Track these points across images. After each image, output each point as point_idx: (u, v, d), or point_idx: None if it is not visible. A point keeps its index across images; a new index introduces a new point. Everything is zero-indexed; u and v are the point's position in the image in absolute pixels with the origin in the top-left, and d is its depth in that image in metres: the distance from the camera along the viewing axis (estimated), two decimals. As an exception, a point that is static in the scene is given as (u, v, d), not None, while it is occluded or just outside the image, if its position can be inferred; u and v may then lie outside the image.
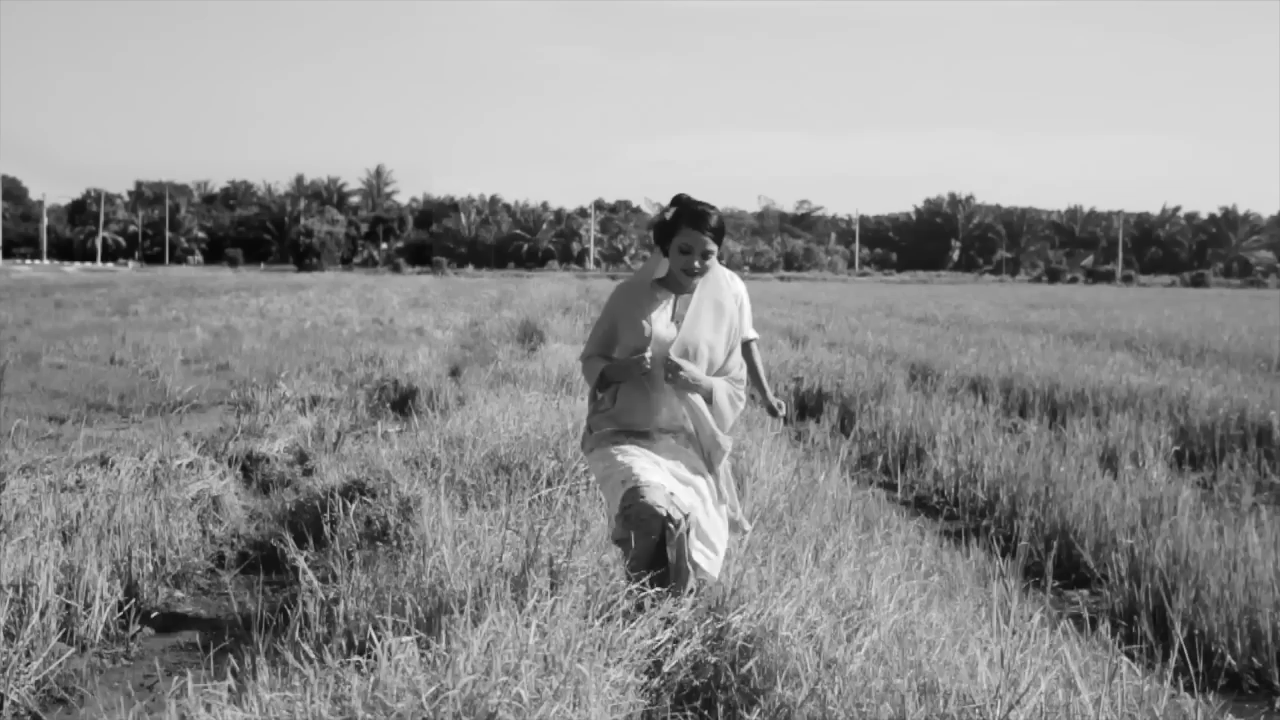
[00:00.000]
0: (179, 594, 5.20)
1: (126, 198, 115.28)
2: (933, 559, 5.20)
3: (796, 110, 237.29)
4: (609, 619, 3.51)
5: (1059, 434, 8.86)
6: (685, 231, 3.86)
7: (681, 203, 3.94)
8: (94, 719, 3.66)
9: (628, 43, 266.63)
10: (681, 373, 3.83)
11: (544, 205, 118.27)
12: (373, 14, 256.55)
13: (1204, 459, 8.58)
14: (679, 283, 3.95)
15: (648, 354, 3.83)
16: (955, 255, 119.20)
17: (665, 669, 3.46)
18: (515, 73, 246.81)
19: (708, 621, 3.63)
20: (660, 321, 3.92)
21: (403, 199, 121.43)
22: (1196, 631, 4.48)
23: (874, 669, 3.33)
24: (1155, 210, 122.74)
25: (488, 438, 6.75)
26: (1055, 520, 6.11)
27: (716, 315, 3.98)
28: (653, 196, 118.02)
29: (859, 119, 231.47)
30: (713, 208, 3.92)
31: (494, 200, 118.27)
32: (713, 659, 3.51)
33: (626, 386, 3.91)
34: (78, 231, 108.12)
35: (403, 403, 10.75)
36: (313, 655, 3.31)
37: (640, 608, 3.59)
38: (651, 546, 3.67)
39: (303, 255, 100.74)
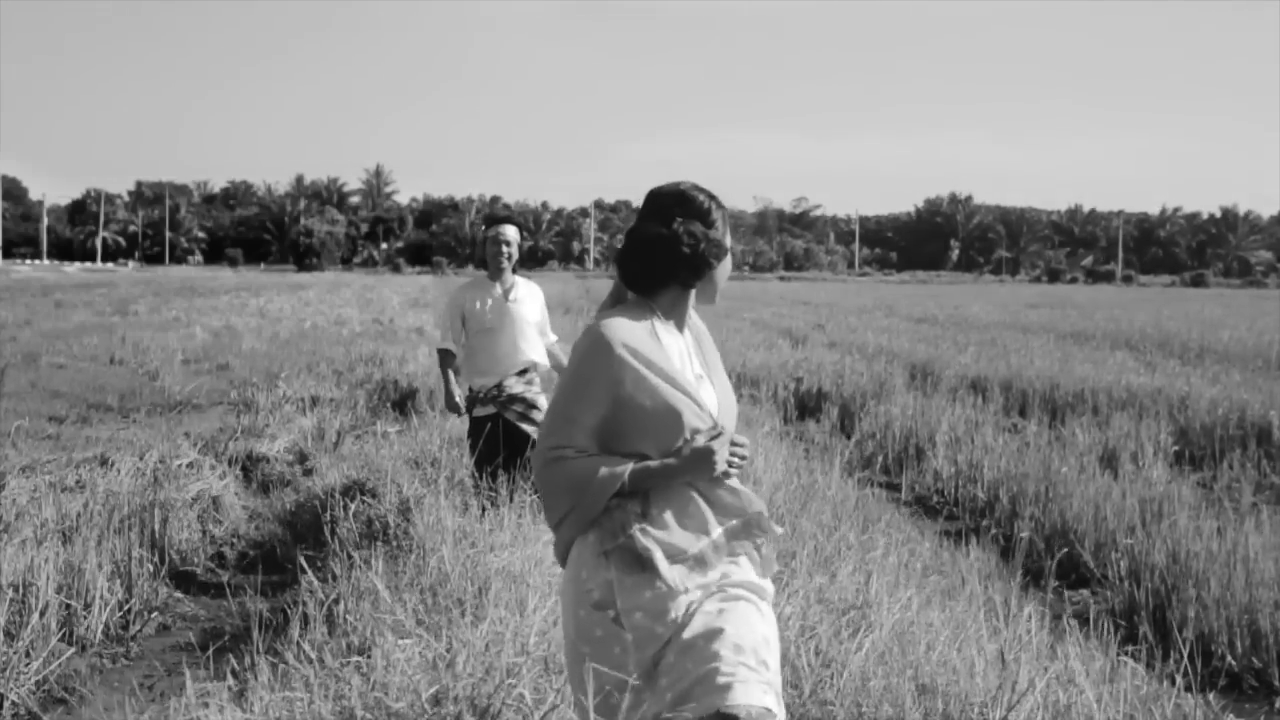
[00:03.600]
0: (179, 594, 5.20)
1: (126, 198, 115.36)
2: (933, 559, 5.20)
3: (796, 110, 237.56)
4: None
5: (1059, 434, 8.86)
6: (728, 224, 2.54)
7: (680, 191, 2.48)
8: (94, 719, 3.66)
9: (627, 43, 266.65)
10: (744, 452, 2.44)
11: (544, 205, 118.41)
12: (373, 14, 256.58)
13: (1204, 459, 8.58)
14: (676, 309, 2.50)
15: (713, 432, 2.38)
16: (955, 255, 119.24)
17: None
18: (515, 73, 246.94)
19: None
20: (687, 376, 2.45)
21: (403, 199, 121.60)
22: (1196, 631, 4.48)
23: (873, 669, 3.33)
24: (1155, 210, 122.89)
25: (488, 438, 6.74)
26: (1055, 520, 6.10)
27: (715, 353, 2.62)
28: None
29: (859, 119, 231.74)
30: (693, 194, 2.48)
31: (494, 200, 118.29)
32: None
33: (666, 492, 2.37)
34: (78, 231, 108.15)
35: (403, 403, 10.75)
36: (313, 655, 3.31)
37: None
38: None
39: (303, 255, 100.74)
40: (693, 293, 2.49)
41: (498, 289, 5.66)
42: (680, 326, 2.52)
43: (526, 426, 5.51)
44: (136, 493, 5.95)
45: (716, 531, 2.38)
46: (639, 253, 2.43)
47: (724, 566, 2.37)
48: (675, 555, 2.33)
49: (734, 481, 2.43)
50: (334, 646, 3.53)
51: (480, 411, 5.59)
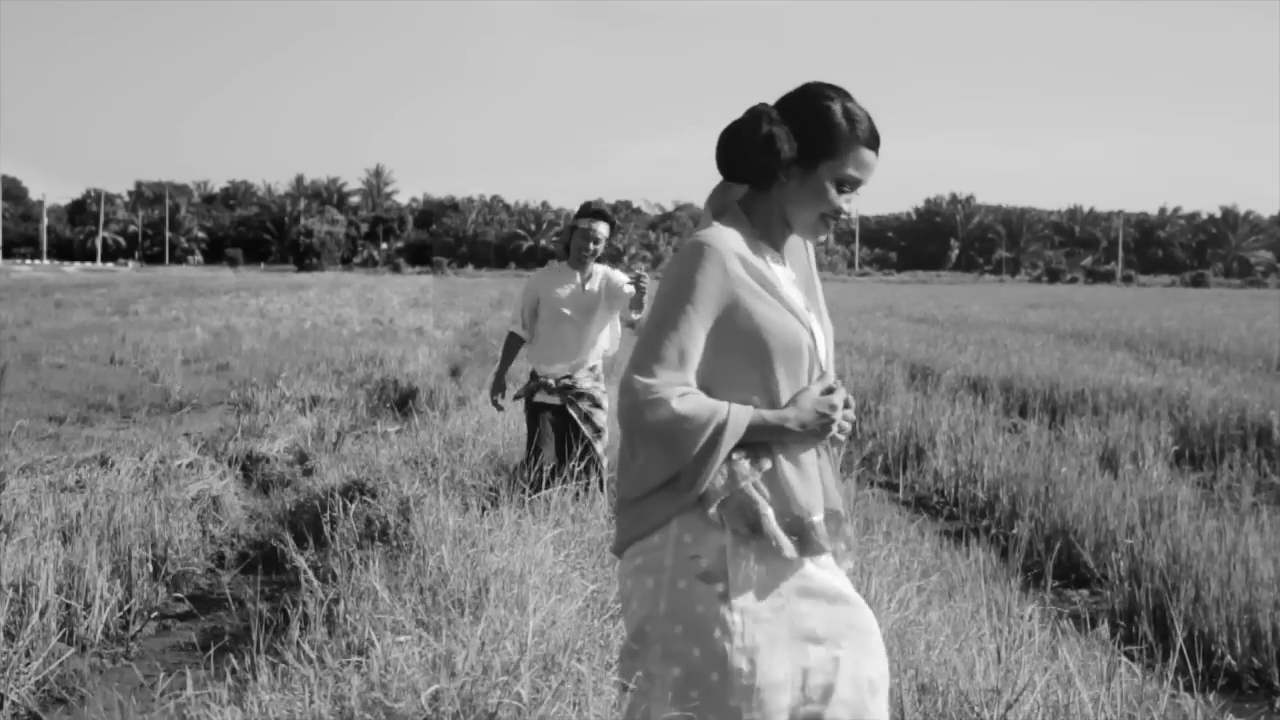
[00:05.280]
0: (179, 594, 5.20)
1: (126, 198, 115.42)
2: (933, 559, 5.19)
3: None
4: (612, 618, 3.51)
5: (1059, 434, 8.86)
6: (856, 151, 2.08)
7: (840, 98, 2.11)
8: (94, 719, 3.66)
9: (627, 43, 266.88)
10: (851, 415, 2.14)
11: (544, 205, 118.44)
12: (373, 14, 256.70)
13: (1204, 459, 8.57)
14: (775, 241, 2.16)
15: (826, 384, 2.09)
16: (955, 255, 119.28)
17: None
18: (515, 73, 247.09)
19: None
20: (801, 307, 2.12)
21: (403, 199, 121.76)
22: (1196, 631, 4.48)
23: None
24: (1155, 210, 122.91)
25: (488, 438, 6.76)
26: (1055, 520, 6.10)
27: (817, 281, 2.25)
28: (652, 197, 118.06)
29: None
30: None
31: (495, 200, 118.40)
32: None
33: (774, 450, 2.04)
34: (78, 231, 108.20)
35: (403, 403, 10.76)
36: (313, 655, 3.30)
37: None
38: None
39: (303, 255, 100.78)
40: (814, 236, 2.14)
41: (577, 278, 5.64)
42: (778, 245, 2.15)
43: (586, 428, 5.52)
44: (136, 493, 5.95)
45: (818, 515, 2.05)
46: (725, 132, 2.09)
47: (818, 558, 2.07)
48: (785, 521, 2.00)
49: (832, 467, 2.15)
50: (334, 646, 3.52)
51: (542, 398, 5.56)
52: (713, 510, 1.97)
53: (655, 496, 2.00)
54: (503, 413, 6.16)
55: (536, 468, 5.37)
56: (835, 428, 2.05)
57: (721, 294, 1.98)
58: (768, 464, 2.01)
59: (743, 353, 2.01)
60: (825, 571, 2.07)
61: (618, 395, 1.98)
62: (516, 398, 5.78)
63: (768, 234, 2.13)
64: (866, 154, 2.08)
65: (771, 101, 2.12)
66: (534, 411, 5.59)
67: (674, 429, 1.93)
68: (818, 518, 2.05)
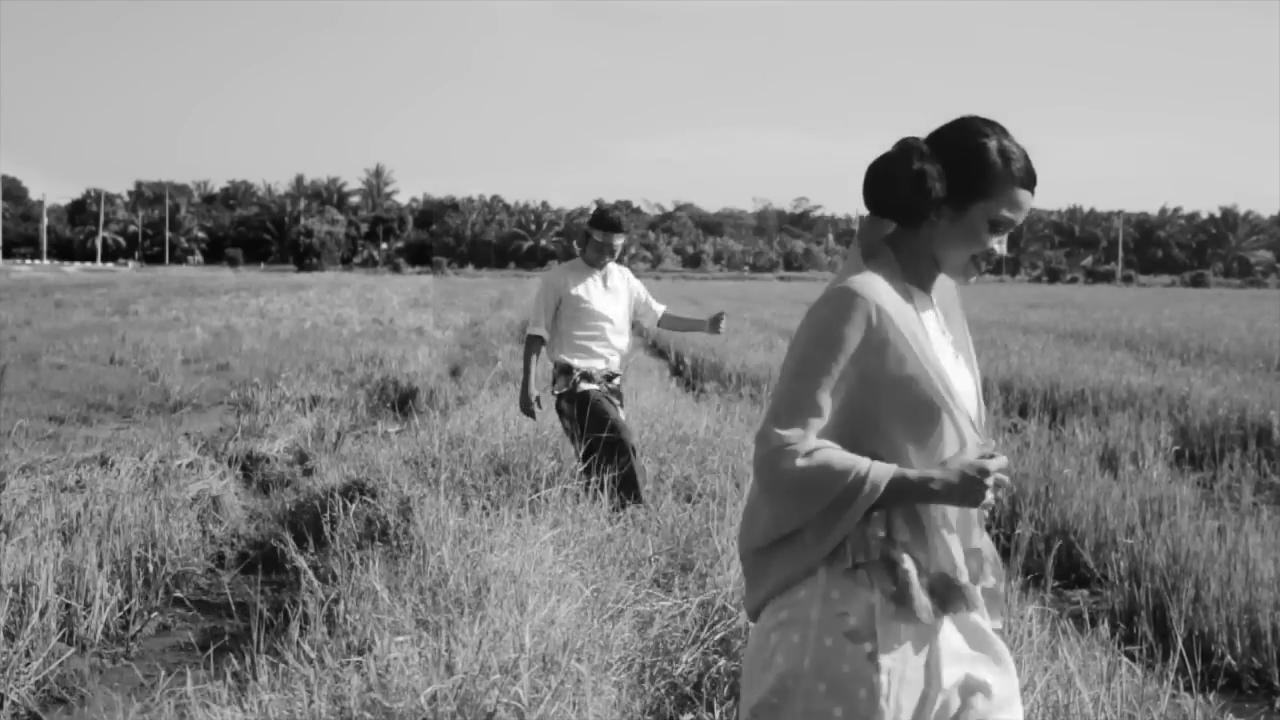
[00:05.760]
0: (178, 593, 5.19)
1: (126, 198, 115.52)
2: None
3: (796, 110, 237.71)
4: (611, 618, 3.51)
5: (1059, 434, 8.85)
6: (1012, 191, 1.99)
7: (997, 135, 2.00)
8: (94, 719, 3.66)
9: (627, 43, 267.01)
10: (1006, 479, 1.97)
11: (544, 205, 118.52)
12: (374, 14, 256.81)
13: (1204, 459, 8.57)
14: (923, 282, 2.08)
15: (990, 450, 1.98)
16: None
17: (678, 672, 3.46)
18: (515, 73, 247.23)
19: (717, 625, 3.63)
20: (945, 359, 2.05)
21: (403, 199, 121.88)
22: (1196, 631, 4.47)
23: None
24: (1155, 210, 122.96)
25: (488, 438, 6.75)
26: (1055, 520, 6.10)
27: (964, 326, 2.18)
28: (652, 197, 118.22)
29: (859, 119, 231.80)
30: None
31: (495, 200, 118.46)
32: (722, 662, 3.51)
33: (912, 514, 1.97)
34: (78, 231, 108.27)
35: (403, 403, 10.76)
36: (313, 655, 3.31)
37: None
38: None
39: (303, 255, 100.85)
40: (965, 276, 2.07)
41: (598, 277, 5.79)
42: (926, 286, 2.08)
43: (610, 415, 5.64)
44: (136, 493, 5.94)
45: (965, 577, 1.97)
46: (873, 166, 2.02)
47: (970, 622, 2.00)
48: (926, 579, 1.93)
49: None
50: (334, 646, 3.52)
51: (586, 387, 5.64)
52: (849, 565, 1.91)
53: (781, 550, 1.95)
54: (534, 420, 6.18)
55: (616, 440, 5.47)
56: (990, 494, 1.91)
57: (865, 347, 1.91)
58: (905, 536, 1.94)
59: (878, 408, 1.95)
60: (964, 635, 2.01)
61: (754, 445, 1.92)
62: (559, 393, 5.73)
63: (915, 274, 2.06)
64: (1022, 194, 2.00)
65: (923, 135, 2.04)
66: (584, 397, 5.62)
67: (807, 481, 1.87)
68: (965, 580, 1.97)
